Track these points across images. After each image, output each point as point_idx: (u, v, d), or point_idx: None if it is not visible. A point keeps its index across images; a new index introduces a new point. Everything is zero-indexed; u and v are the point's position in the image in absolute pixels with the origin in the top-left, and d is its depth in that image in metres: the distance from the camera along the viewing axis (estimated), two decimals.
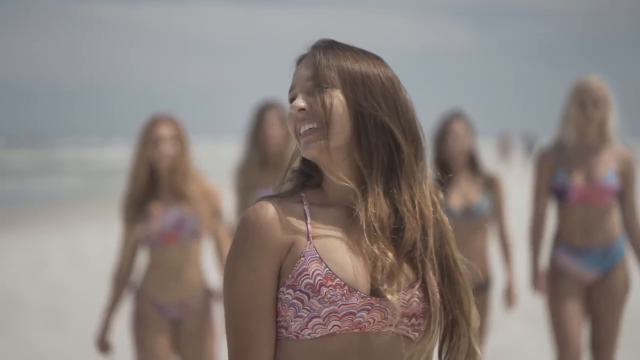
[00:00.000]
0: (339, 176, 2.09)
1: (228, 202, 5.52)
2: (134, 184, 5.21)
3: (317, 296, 2.01)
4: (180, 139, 5.24)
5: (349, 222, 2.09)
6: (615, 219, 5.45)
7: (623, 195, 5.43)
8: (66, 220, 20.32)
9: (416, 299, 2.07)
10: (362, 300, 2.03)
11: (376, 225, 2.06)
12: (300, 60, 2.18)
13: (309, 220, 2.08)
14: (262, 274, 2.04)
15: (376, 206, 2.07)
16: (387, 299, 2.03)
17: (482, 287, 5.79)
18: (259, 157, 6.25)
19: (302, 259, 2.03)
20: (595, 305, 5.42)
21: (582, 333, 5.40)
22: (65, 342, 8.74)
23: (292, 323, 2.04)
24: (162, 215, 5.13)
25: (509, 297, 6.04)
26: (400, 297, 2.05)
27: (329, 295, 2.01)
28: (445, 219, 2.16)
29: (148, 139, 5.21)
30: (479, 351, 2.15)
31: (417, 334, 2.08)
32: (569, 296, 5.39)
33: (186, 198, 5.16)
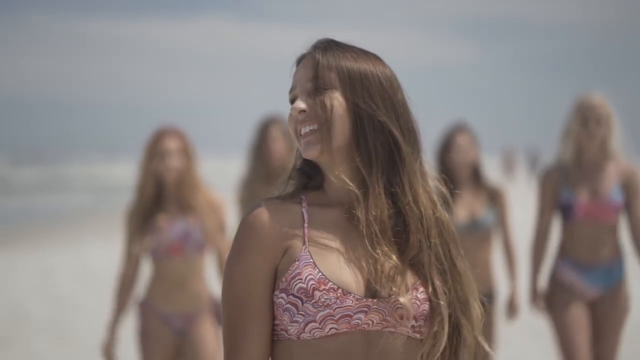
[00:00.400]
0: (340, 177, 2.11)
1: (232, 217, 5.58)
2: (141, 197, 5.23)
3: (310, 300, 2.03)
4: (186, 152, 5.26)
5: (348, 224, 2.10)
6: (619, 237, 5.45)
7: (629, 207, 5.42)
8: (72, 236, 20.37)
9: (416, 301, 2.07)
10: (357, 302, 2.04)
11: (376, 228, 2.07)
12: (300, 60, 2.19)
13: (306, 224, 2.10)
14: (256, 274, 2.07)
15: (377, 207, 2.08)
16: (384, 301, 2.04)
17: (487, 300, 5.81)
18: (262, 171, 6.29)
19: (297, 263, 2.05)
20: (596, 324, 5.42)
21: (588, 344, 5.40)
22: (71, 356, 8.78)
23: (289, 327, 2.05)
24: (169, 227, 5.15)
25: (512, 308, 6.03)
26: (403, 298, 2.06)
27: (322, 299, 2.02)
28: (446, 216, 2.16)
29: (154, 152, 5.22)
30: (487, 347, 2.15)
31: (418, 335, 2.08)
32: (574, 308, 5.39)
33: (193, 210, 5.18)
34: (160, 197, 5.24)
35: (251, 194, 6.22)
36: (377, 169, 2.09)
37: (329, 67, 2.12)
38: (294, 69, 2.19)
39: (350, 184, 2.10)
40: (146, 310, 5.18)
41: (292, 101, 2.16)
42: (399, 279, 2.06)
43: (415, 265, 2.09)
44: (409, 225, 2.09)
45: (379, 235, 2.07)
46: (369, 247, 2.06)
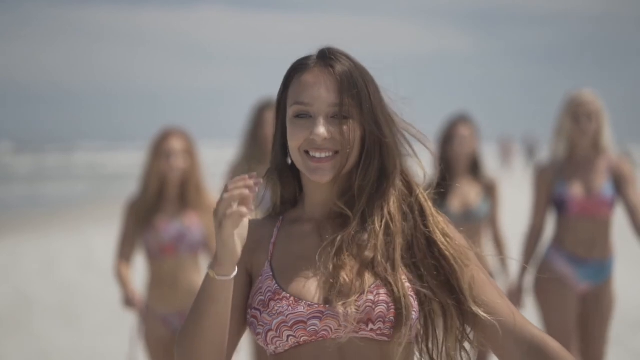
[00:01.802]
0: (341, 205, 2.14)
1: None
2: (144, 194, 5.33)
3: (266, 310, 2.09)
4: (190, 153, 5.35)
5: (317, 238, 2.15)
6: (612, 233, 5.53)
7: (622, 194, 5.45)
8: (75, 223, 20.56)
9: (371, 304, 2.06)
10: (309, 308, 2.07)
11: (337, 245, 2.10)
12: (305, 65, 2.15)
13: (272, 240, 2.16)
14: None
15: (349, 230, 2.12)
16: (337, 307, 2.05)
17: None
18: (257, 155, 6.25)
19: (260, 278, 2.13)
20: (584, 319, 5.50)
21: (575, 331, 5.48)
22: (77, 338, 9.00)
23: (258, 340, 2.12)
24: (164, 228, 5.27)
25: (513, 297, 5.81)
26: (352, 305, 2.05)
27: (276, 308, 2.07)
28: (430, 209, 2.17)
29: (159, 152, 5.32)
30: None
31: (384, 337, 2.08)
32: (563, 296, 5.46)
33: (191, 211, 5.30)
34: (162, 196, 5.34)
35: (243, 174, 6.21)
36: (365, 197, 2.13)
37: (352, 95, 2.11)
38: (305, 76, 2.14)
39: (347, 210, 2.13)
40: (146, 313, 5.31)
41: (301, 113, 2.13)
42: (350, 287, 2.06)
43: (375, 268, 2.09)
44: (368, 243, 2.12)
45: (332, 252, 2.09)
46: (320, 263, 2.09)
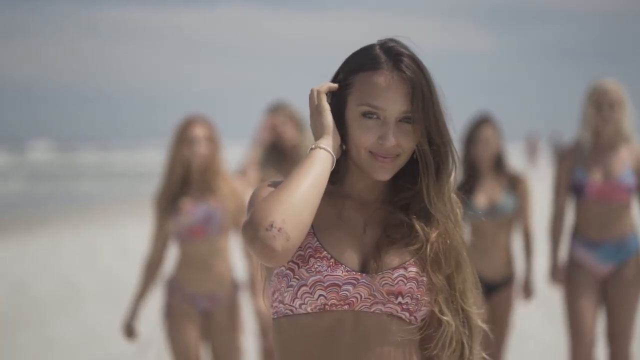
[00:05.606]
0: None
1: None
2: (169, 181, 5.36)
3: (305, 266, 2.11)
4: (212, 140, 5.38)
5: (355, 212, 2.21)
6: (630, 215, 5.56)
7: (638, 191, 5.58)
8: (111, 216, 21.39)
9: (403, 279, 2.13)
10: (347, 273, 2.11)
11: (397, 237, 2.18)
12: (376, 65, 2.17)
13: None
14: None
15: (399, 228, 2.20)
16: (373, 276, 2.12)
17: (506, 281, 5.95)
18: (275, 156, 6.45)
19: None
20: (610, 297, 5.50)
21: (596, 325, 5.53)
22: (119, 317, 9.58)
23: (285, 294, 2.13)
24: (192, 210, 5.29)
25: (527, 290, 6.06)
26: (387, 274, 2.13)
27: (315, 266, 2.11)
28: (452, 224, 2.23)
29: (182, 139, 5.35)
30: (469, 351, 2.19)
31: (406, 313, 2.14)
32: (585, 289, 5.51)
33: (215, 194, 5.32)
34: (186, 182, 5.37)
35: (265, 177, 6.27)
36: (429, 192, 2.20)
37: (423, 103, 2.16)
38: (378, 78, 2.16)
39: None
40: (173, 290, 5.31)
41: (370, 114, 2.17)
42: (390, 261, 2.15)
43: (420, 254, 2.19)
44: (418, 234, 2.21)
45: (391, 241, 2.19)
46: (369, 234, 2.18)
